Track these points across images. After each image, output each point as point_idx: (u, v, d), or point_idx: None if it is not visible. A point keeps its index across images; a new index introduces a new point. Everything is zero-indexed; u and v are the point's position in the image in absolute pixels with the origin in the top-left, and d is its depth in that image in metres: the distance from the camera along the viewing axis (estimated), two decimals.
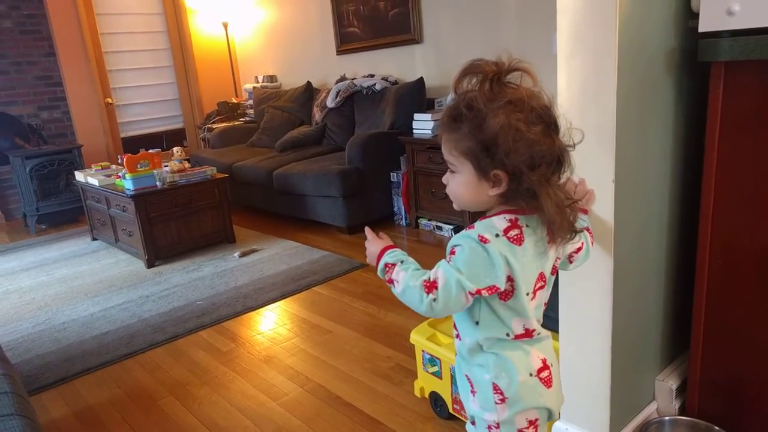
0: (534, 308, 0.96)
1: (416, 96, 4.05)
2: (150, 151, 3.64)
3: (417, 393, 1.92)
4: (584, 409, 1.43)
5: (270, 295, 2.98)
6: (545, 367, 0.98)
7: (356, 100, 4.54)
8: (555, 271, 1.00)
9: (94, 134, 5.50)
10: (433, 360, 1.82)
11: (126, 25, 5.71)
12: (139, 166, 3.50)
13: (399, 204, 4.02)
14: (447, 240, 3.63)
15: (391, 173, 3.99)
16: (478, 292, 0.88)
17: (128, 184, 3.49)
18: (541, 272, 0.94)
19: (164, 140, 6.12)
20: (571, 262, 1.07)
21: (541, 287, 0.96)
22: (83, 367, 2.39)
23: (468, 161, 0.88)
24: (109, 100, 5.64)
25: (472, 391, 1.01)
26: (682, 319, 1.59)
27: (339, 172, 3.72)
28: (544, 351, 0.99)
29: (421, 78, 4.07)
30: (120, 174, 3.65)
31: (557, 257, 0.99)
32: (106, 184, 3.81)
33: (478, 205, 0.93)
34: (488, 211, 0.94)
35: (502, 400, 0.96)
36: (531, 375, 0.96)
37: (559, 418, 1.49)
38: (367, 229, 1.08)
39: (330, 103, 4.65)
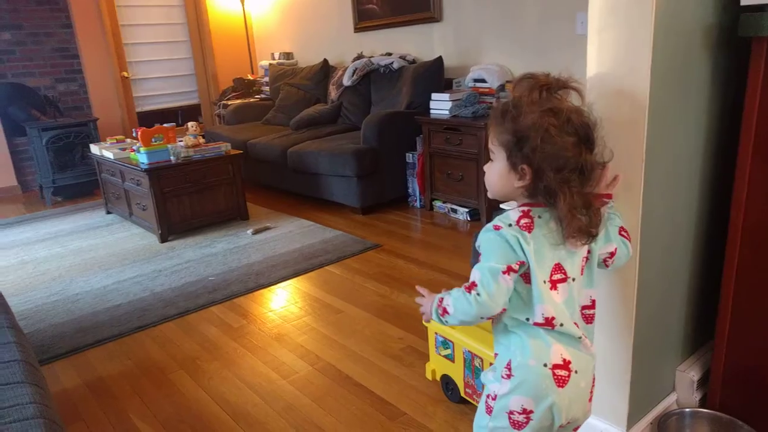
0: (561, 302, 1.00)
1: (434, 76, 3.97)
2: (165, 125, 3.61)
3: (428, 375, 1.90)
4: (603, 398, 1.39)
5: (282, 273, 2.97)
6: (565, 366, 0.99)
7: (373, 78, 4.48)
8: (583, 270, 1.04)
9: (110, 107, 5.50)
10: (446, 343, 1.79)
11: None
12: (153, 140, 3.48)
13: (414, 185, 3.97)
14: (461, 223, 3.58)
15: (407, 154, 3.93)
16: (510, 269, 0.96)
17: (142, 158, 3.48)
18: (558, 263, 0.99)
19: (179, 116, 6.11)
20: (606, 265, 1.11)
21: (562, 280, 1.00)
22: (95, 338, 2.40)
23: (503, 151, 0.99)
24: (125, 74, 5.62)
25: (491, 364, 1.09)
26: (705, 309, 1.54)
27: (354, 152, 3.68)
28: (573, 355, 1.01)
29: (440, 57, 3.99)
30: (135, 148, 3.64)
31: (584, 257, 1.03)
32: (120, 158, 3.80)
33: (506, 194, 1.03)
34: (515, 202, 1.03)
35: (508, 376, 1.02)
36: (545, 365, 0.99)
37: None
38: (418, 288, 1.20)
39: (346, 81, 4.59)
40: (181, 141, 3.70)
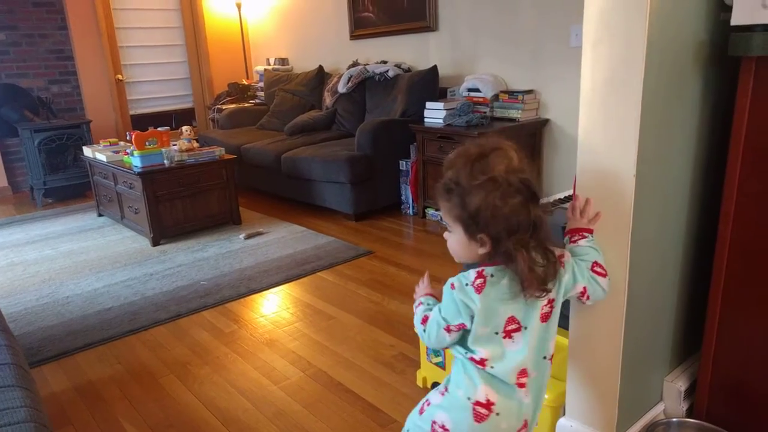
0: (516, 352, 1.08)
1: (429, 84, 4.00)
2: (159, 129, 3.61)
3: (419, 383, 1.91)
4: (591, 406, 1.41)
5: (274, 279, 2.97)
6: (486, 406, 1.08)
7: (368, 86, 4.50)
8: (546, 318, 1.10)
9: (104, 110, 5.49)
10: (436, 351, 1.80)
11: (138, 1, 5.66)
12: (147, 143, 3.48)
13: (407, 193, 3.98)
14: None
15: (400, 161, 3.95)
16: (448, 329, 1.10)
17: (136, 162, 3.47)
18: (512, 316, 1.07)
19: (173, 119, 6.10)
20: (583, 302, 1.21)
21: (516, 329, 1.07)
22: (85, 341, 2.39)
23: (459, 225, 1.05)
24: (120, 77, 5.61)
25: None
26: (694, 320, 1.56)
27: (348, 158, 3.69)
28: (500, 399, 1.08)
29: (435, 66, 4.02)
30: (128, 151, 3.63)
31: (545, 305, 1.10)
32: (113, 161, 3.79)
33: (471, 259, 1.09)
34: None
35: (443, 393, 1.15)
36: (468, 399, 1.09)
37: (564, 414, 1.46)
38: (427, 274, 1.32)
39: (341, 88, 4.61)
40: (175, 145, 3.69)
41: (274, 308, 2.69)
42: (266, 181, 4.51)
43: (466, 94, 3.84)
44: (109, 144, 4.16)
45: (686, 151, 1.35)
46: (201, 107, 6.23)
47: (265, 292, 2.86)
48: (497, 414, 1.08)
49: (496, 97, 3.74)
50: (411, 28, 4.36)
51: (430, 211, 3.85)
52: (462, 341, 1.12)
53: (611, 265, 1.26)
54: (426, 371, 1.88)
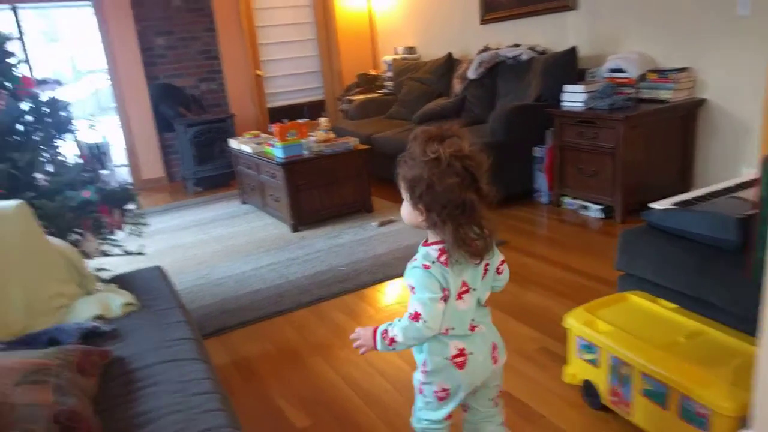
0: (466, 309, 1.26)
1: (567, 66, 3.80)
2: (298, 121, 3.79)
3: (566, 379, 1.82)
4: None
5: None
6: (460, 354, 1.29)
7: (499, 71, 4.37)
8: (482, 277, 1.28)
9: (244, 104, 5.87)
10: (589, 347, 1.71)
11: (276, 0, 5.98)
12: (288, 135, 3.67)
13: (541, 180, 3.84)
14: (592, 220, 3.41)
15: (535, 147, 3.81)
16: (442, 299, 1.22)
17: (278, 153, 3.67)
18: (464, 280, 1.25)
19: (305, 111, 6.38)
20: (498, 273, 1.35)
21: (466, 291, 1.26)
22: (239, 320, 2.58)
23: (406, 193, 1.23)
24: (259, 72, 5.96)
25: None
26: None
27: (482, 145, 3.61)
28: (466, 343, 1.29)
29: (574, 48, 3.81)
30: (270, 142, 3.85)
31: (484, 270, 1.28)
32: (257, 152, 4.04)
33: (416, 225, 1.26)
34: (427, 235, 1.27)
35: (424, 371, 1.34)
36: (446, 359, 1.29)
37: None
38: (357, 330, 1.38)
39: (471, 74, 4.53)
40: (313, 136, 3.86)
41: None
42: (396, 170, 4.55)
43: (607, 75, 3.60)
44: (252, 136, 4.44)
45: None
46: (331, 99, 6.45)
47: (400, 279, 2.90)
48: (471, 353, 1.30)
49: (642, 77, 3.47)
50: (546, 8, 4.16)
51: (567, 200, 3.67)
52: None
53: None
54: (575, 368, 1.79)
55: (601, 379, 1.69)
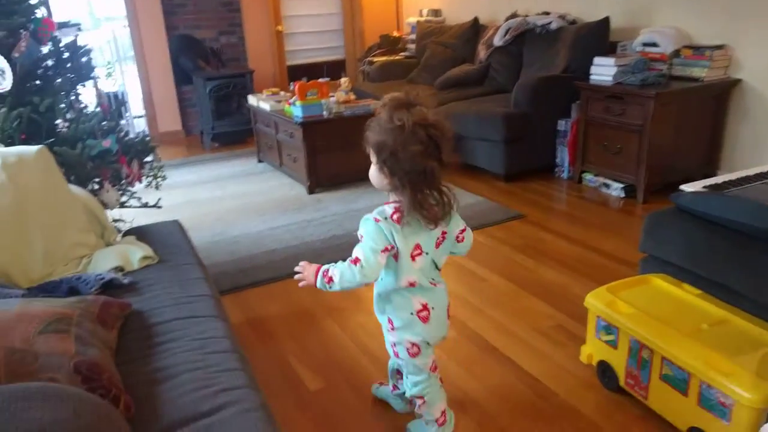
0: (419, 269, 1.37)
1: (598, 38, 3.68)
2: (319, 80, 3.71)
3: (583, 359, 1.81)
4: None
5: None
6: (424, 308, 1.41)
7: (527, 39, 4.25)
8: (438, 245, 1.39)
9: (264, 60, 5.77)
10: (609, 328, 1.69)
11: None
12: (308, 94, 3.60)
13: (563, 155, 3.76)
14: (613, 199, 3.36)
15: (559, 121, 3.72)
16: (385, 250, 1.32)
17: (297, 112, 3.62)
18: (417, 243, 1.35)
19: (325, 70, 6.27)
20: (459, 241, 1.44)
21: (419, 254, 1.36)
22: (254, 279, 2.58)
23: (373, 156, 1.31)
24: (280, 28, 5.84)
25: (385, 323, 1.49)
26: None
27: (504, 115, 3.55)
28: (428, 298, 1.42)
29: (607, 18, 3.68)
30: (290, 101, 3.79)
31: (440, 236, 1.38)
32: (276, 110, 3.98)
33: (382, 187, 1.34)
34: (389, 194, 1.35)
35: (392, 329, 1.46)
36: (411, 314, 1.41)
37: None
38: (301, 263, 1.48)
39: (497, 41, 4.40)
40: (333, 96, 3.79)
41: None
42: None
43: (640, 48, 3.48)
44: (271, 93, 4.37)
45: None
46: (352, 59, 6.33)
47: None
48: (433, 308, 1.42)
49: (676, 53, 3.35)
50: None
51: (588, 176, 3.61)
52: (390, 281, 1.39)
53: None
54: (592, 348, 1.78)
55: (618, 361, 1.67)
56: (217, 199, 3.73)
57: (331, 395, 1.82)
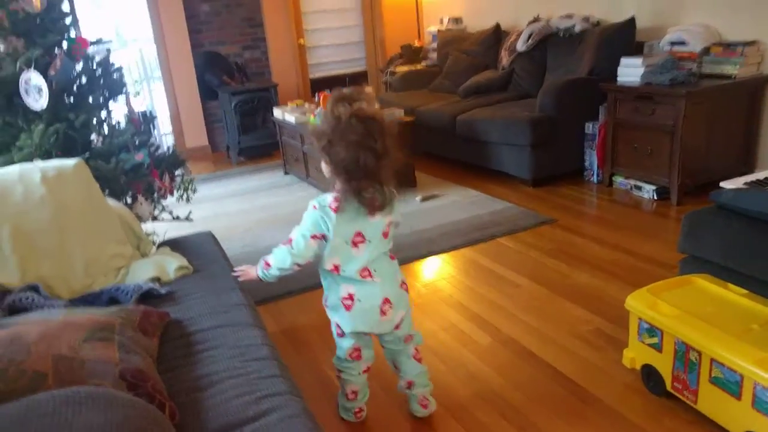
0: (360, 257, 1.45)
1: (624, 38, 3.64)
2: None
3: (626, 363, 1.76)
4: None
5: (454, 242, 2.95)
6: (349, 298, 1.48)
7: (549, 43, 4.22)
8: (386, 235, 1.48)
9: (287, 74, 5.83)
10: (652, 330, 1.64)
11: None
12: None
13: (591, 158, 3.71)
14: (646, 202, 3.30)
15: (586, 124, 3.68)
16: (314, 236, 1.44)
17: None
18: (358, 231, 1.43)
19: (347, 82, 6.31)
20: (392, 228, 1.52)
21: (362, 242, 1.44)
22: (286, 290, 2.58)
23: (315, 144, 1.41)
24: (302, 41, 5.90)
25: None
26: None
27: (530, 120, 3.52)
28: (356, 289, 1.48)
29: (632, 18, 3.63)
30: (315, 112, 3.81)
31: (387, 224, 1.47)
32: (301, 122, 4.01)
33: (328, 176, 1.43)
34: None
35: (326, 307, 1.59)
36: (338, 299, 1.50)
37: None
38: (237, 269, 1.65)
39: (520, 46, 4.38)
40: None
41: (456, 271, 2.67)
42: (439, 144, 4.48)
43: (668, 48, 3.42)
44: (296, 105, 4.41)
45: None
46: (374, 70, 6.36)
47: (445, 254, 2.85)
48: (359, 300, 1.48)
49: (706, 51, 3.29)
50: None
51: (618, 179, 3.55)
52: (321, 263, 1.49)
53: None
54: (635, 351, 1.73)
55: (664, 365, 1.62)
56: (245, 212, 3.76)
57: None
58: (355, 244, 1.43)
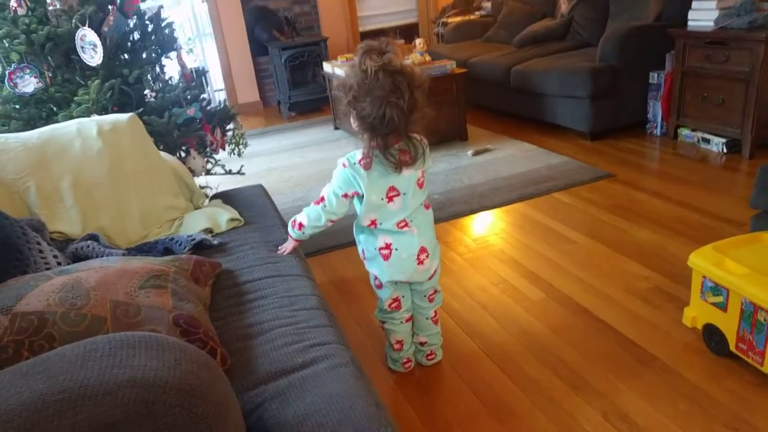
0: (396, 210, 1.44)
1: None
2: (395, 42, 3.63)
3: (686, 322, 1.69)
4: None
5: (507, 197, 2.88)
6: (387, 248, 1.48)
7: None
8: (422, 185, 1.47)
9: (337, 27, 5.74)
10: (717, 289, 1.56)
11: None
12: None
13: (655, 110, 3.50)
14: (714, 155, 3.10)
15: (651, 73, 3.46)
16: (345, 195, 1.43)
17: None
18: (392, 185, 1.41)
19: (397, 35, 6.16)
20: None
21: (396, 195, 1.42)
22: (336, 242, 2.59)
23: (342, 97, 1.35)
24: None
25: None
26: None
27: (590, 70, 3.33)
28: (393, 239, 1.47)
29: None
30: None
31: (419, 176, 1.45)
32: None
33: (354, 128, 1.38)
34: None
35: (364, 258, 1.58)
36: (375, 249, 1.50)
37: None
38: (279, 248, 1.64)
39: None
40: (408, 59, 3.70)
41: (509, 226, 2.61)
42: (493, 97, 4.34)
43: None
44: (345, 59, 4.34)
45: None
46: (425, 21, 6.18)
47: (498, 209, 2.79)
48: (396, 249, 1.48)
49: None
50: None
51: (684, 131, 3.34)
52: (358, 219, 1.49)
53: None
54: (697, 310, 1.65)
55: (728, 325, 1.54)
56: (296, 166, 3.78)
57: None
58: (390, 198, 1.42)
